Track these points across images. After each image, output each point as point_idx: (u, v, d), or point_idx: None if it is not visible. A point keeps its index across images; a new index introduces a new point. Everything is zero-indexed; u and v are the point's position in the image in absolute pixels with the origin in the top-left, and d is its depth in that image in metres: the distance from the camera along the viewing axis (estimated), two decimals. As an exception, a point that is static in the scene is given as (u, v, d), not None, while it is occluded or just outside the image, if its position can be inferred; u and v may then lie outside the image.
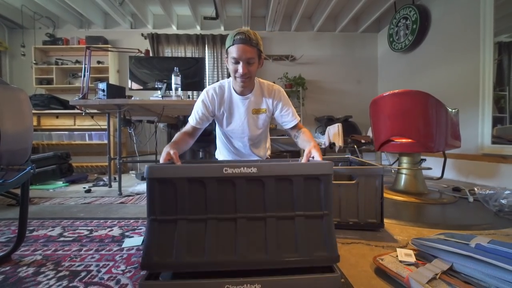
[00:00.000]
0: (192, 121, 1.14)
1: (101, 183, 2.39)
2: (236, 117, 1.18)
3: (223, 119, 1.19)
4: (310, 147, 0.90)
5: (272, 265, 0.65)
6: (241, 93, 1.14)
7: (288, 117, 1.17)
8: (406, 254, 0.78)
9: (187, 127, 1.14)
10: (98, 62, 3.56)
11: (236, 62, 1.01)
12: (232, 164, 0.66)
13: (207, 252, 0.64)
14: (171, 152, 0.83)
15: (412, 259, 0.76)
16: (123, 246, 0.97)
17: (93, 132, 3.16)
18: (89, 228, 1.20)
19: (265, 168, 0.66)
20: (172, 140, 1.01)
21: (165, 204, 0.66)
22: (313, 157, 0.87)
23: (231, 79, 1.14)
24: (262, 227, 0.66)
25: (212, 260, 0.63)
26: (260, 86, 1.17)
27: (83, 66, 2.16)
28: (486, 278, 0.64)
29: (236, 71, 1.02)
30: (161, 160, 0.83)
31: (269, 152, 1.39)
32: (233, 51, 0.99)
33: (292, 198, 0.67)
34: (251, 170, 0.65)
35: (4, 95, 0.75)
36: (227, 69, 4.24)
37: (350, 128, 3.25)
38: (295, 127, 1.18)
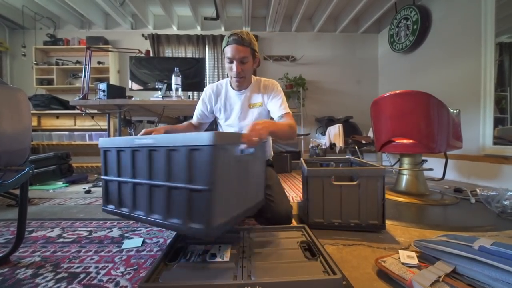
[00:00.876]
0: (195, 117, 1.28)
1: (101, 183, 2.38)
2: (233, 112, 1.24)
3: (220, 114, 1.26)
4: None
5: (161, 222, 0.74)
6: (238, 89, 1.21)
7: (275, 106, 1.17)
8: (408, 256, 0.77)
9: (193, 120, 1.29)
10: (99, 63, 3.56)
11: (231, 61, 1.08)
12: (140, 136, 0.80)
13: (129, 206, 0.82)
14: (157, 128, 0.98)
15: (415, 261, 0.75)
16: (122, 247, 0.97)
17: (93, 133, 3.16)
18: (89, 229, 1.19)
19: (160, 139, 0.73)
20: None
21: (107, 167, 0.89)
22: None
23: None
24: (161, 193, 0.73)
25: (131, 212, 0.81)
26: (257, 82, 1.24)
27: (84, 66, 2.16)
28: (490, 280, 0.63)
29: (231, 69, 1.10)
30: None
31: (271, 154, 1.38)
32: (228, 51, 1.06)
33: (180, 169, 0.70)
34: (149, 141, 0.74)
35: (2, 95, 0.75)
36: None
37: (350, 129, 3.24)
38: (282, 119, 1.15)
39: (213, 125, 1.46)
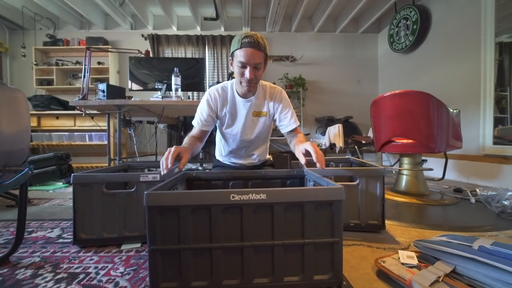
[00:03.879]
0: (197, 124, 1.11)
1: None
2: (237, 119, 1.15)
3: (225, 120, 1.16)
4: (304, 144, 0.91)
5: None
6: (244, 96, 1.11)
7: (285, 121, 1.14)
8: (408, 256, 0.77)
9: (194, 131, 1.11)
10: (98, 63, 3.56)
11: (243, 66, 0.97)
12: (240, 191, 0.63)
13: (214, 276, 0.64)
14: (182, 148, 0.86)
15: (415, 262, 0.75)
16: (122, 248, 0.97)
17: (93, 133, 3.16)
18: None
19: (275, 194, 0.64)
20: (183, 143, 1.01)
21: (167, 232, 0.64)
22: (308, 152, 0.88)
23: (234, 81, 1.11)
24: (269, 253, 0.66)
25: (218, 284, 0.65)
26: (262, 89, 1.15)
27: (83, 66, 2.16)
28: (489, 280, 0.63)
29: (242, 75, 0.99)
30: (167, 159, 0.78)
31: (268, 156, 1.36)
32: (240, 54, 0.95)
33: (302, 224, 0.66)
34: (260, 196, 0.64)
35: (1, 96, 0.75)
36: (228, 70, 4.17)
37: (350, 129, 3.24)
38: (292, 131, 1.13)
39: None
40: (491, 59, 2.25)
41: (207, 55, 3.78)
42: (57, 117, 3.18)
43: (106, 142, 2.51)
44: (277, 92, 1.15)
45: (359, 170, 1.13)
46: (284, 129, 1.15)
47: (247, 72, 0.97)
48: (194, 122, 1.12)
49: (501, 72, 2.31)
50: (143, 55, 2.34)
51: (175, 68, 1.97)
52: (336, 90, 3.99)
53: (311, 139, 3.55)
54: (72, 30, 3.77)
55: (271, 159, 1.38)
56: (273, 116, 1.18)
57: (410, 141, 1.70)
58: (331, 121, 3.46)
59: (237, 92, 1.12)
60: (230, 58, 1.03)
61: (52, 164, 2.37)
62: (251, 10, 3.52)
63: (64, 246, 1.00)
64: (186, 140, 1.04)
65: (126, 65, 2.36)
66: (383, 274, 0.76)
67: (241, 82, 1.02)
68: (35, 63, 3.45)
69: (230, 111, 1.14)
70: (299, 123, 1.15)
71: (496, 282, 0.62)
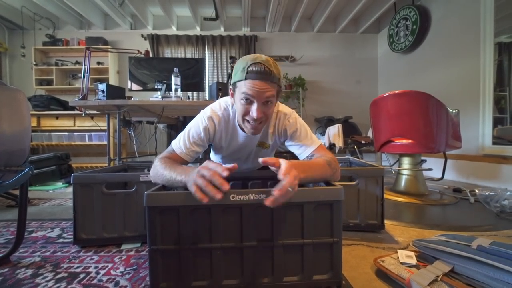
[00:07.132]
0: (180, 151, 0.83)
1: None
2: (236, 152, 1.01)
3: (220, 150, 1.01)
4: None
5: None
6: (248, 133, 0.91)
7: (297, 147, 0.93)
8: (407, 256, 0.78)
9: (171, 155, 0.83)
10: (98, 63, 3.56)
11: (249, 101, 0.74)
12: (240, 191, 0.63)
13: (213, 277, 0.65)
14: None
15: (413, 261, 0.76)
16: (122, 248, 0.97)
17: (92, 133, 3.16)
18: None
19: None
20: (185, 168, 0.72)
21: (167, 232, 0.64)
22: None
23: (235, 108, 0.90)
24: (269, 253, 0.66)
25: (218, 284, 0.65)
26: (269, 121, 0.91)
27: (83, 67, 2.16)
28: (487, 280, 0.64)
29: (247, 112, 0.76)
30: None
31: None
32: (246, 86, 0.72)
33: (302, 224, 0.67)
34: (260, 196, 0.63)
35: (2, 96, 0.75)
36: (227, 70, 4.09)
37: (350, 129, 3.25)
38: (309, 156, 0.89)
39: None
40: (491, 59, 2.25)
41: (206, 55, 3.78)
42: (57, 117, 3.18)
43: (105, 142, 2.50)
44: (286, 128, 0.92)
45: (358, 170, 1.13)
46: (302, 157, 0.93)
47: (254, 110, 0.74)
48: (175, 147, 0.84)
49: (500, 72, 2.32)
50: (142, 55, 2.34)
51: (174, 68, 1.98)
52: (335, 90, 4.00)
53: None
54: (72, 30, 3.77)
55: None
56: (281, 143, 1.01)
57: (410, 141, 1.71)
58: (330, 121, 3.47)
59: (239, 125, 0.90)
60: (230, 87, 0.80)
61: (51, 164, 2.37)
62: (251, 10, 3.52)
63: (64, 246, 1.00)
64: (167, 165, 0.73)
65: (126, 65, 2.37)
66: (382, 274, 0.76)
67: (244, 121, 0.80)
68: (34, 63, 3.45)
69: (228, 144, 0.96)
70: (318, 143, 0.89)
71: (495, 282, 0.62)
